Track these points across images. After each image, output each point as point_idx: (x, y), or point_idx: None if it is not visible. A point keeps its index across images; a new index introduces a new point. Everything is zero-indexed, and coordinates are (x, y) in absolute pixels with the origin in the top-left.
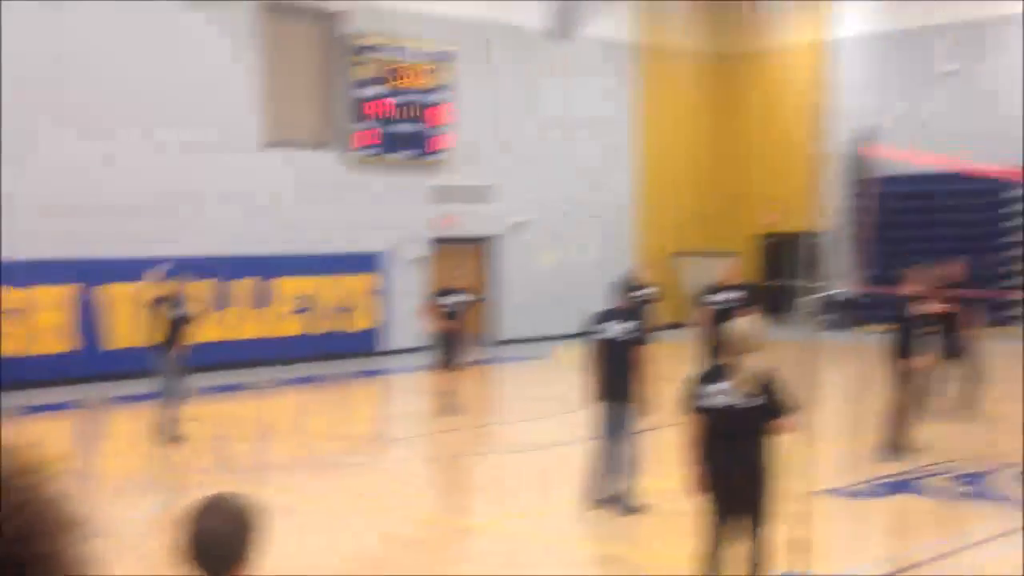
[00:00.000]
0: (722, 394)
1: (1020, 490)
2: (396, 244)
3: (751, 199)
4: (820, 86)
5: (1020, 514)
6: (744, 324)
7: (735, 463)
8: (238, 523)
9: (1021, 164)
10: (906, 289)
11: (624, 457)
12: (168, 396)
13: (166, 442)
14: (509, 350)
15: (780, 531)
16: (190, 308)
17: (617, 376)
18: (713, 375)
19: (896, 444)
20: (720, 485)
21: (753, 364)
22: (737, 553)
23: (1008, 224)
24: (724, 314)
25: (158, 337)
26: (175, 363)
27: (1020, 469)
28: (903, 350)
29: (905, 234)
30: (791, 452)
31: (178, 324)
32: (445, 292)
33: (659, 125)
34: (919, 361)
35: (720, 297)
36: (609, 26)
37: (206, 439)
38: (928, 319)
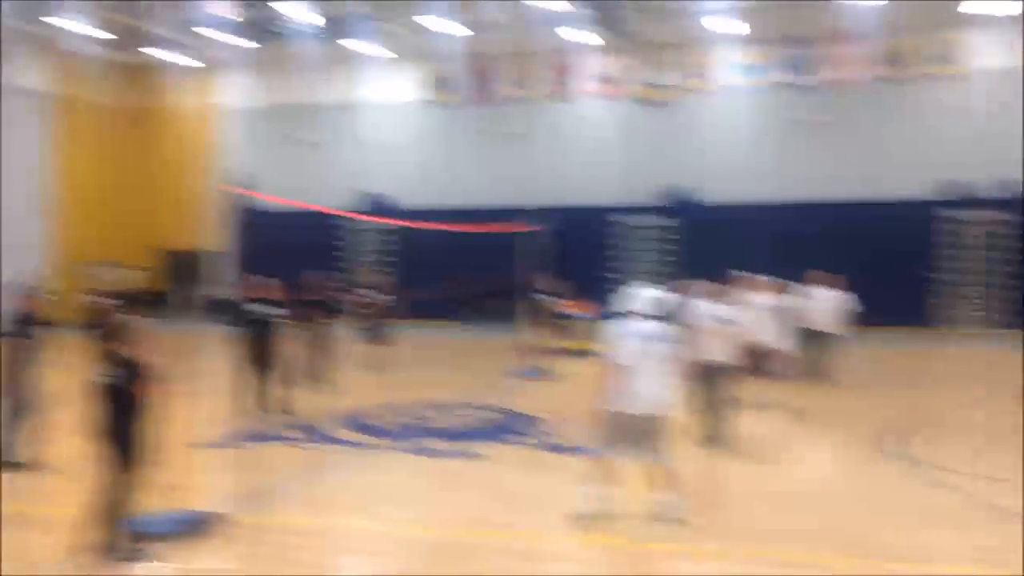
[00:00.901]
0: (99, 374)
1: (342, 432)
2: None
3: (156, 223)
4: (209, 140)
5: (342, 448)
6: (120, 319)
7: (104, 424)
8: None
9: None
10: (267, 293)
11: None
12: None
13: None
14: None
15: (163, 476)
16: None
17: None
18: (99, 359)
19: (267, 406)
20: (102, 443)
21: (125, 350)
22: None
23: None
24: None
25: None
26: None
27: (339, 421)
28: (266, 338)
29: (270, 252)
30: (173, 414)
31: None
32: None
33: (74, 162)
34: (282, 346)
35: (116, 301)
36: (26, 78)
37: None
38: (288, 316)
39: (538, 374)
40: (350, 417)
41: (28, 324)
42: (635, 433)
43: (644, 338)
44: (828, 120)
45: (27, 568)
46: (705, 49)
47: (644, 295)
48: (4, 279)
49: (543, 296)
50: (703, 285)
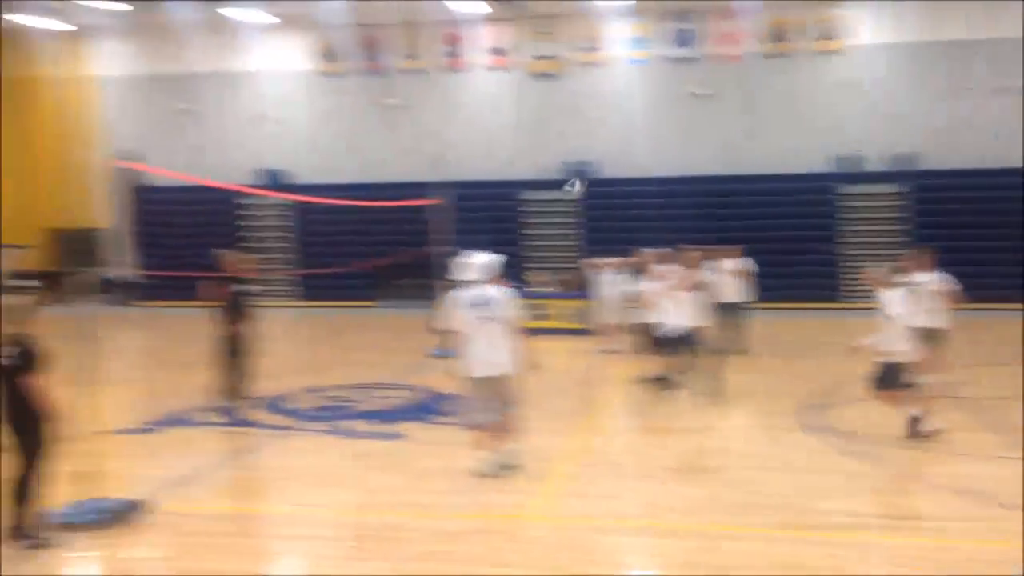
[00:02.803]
0: None
1: (260, 417)
2: None
3: (38, 200)
4: (88, 111)
5: (262, 432)
6: (11, 300)
7: (7, 409)
8: None
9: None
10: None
11: None
12: None
13: None
14: None
15: (71, 465)
16: None
17: None
18: None
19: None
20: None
21: (16, 331)
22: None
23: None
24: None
25: None
26: None
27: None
28: (232, 316)
29: (165, 231)
30: (82, 400)
31: None
32: None
33: None
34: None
35: (18, 281)
36: None
37: None
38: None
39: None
40: (270, 400)
41: None
42: (485, 394)
43: (476, 304)
44: (712, 93)
45: None
46: (594, 21)
47: (475, 262)
48: None
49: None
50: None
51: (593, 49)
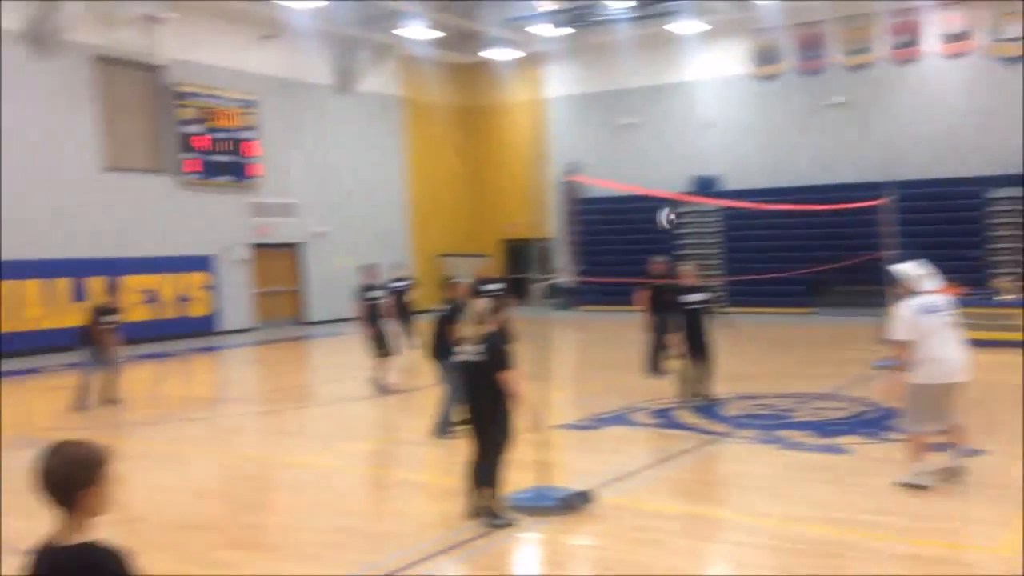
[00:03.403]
0: (466, 352)
1: (693, 421)
2: (223, 249)
3: (495, 214)
4: (539, 131)
5: (697, 436)
6: (480, 303)
7: (475, 401)
8: (70, 462)
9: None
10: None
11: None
12: (90, 370)
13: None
14: (318, 329)
15: (527, 454)
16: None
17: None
18: (465, 339)
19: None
20: (470, 417)
21: (484, 330)
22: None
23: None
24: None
25: (90, 330)
26: (102, 350)
27: (687, 406)
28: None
29: (605, 239)
30: (533, 395)
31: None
32: (371, 287)
33: (423, 159)
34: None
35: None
36: (379, 84)
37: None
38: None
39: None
40: (704, 404)
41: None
42: (934, 404)
43: (930, 311)
44: None
45: (421, 532)
46: None
47: (917, 270)
48: (381, 268)
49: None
50: None
51: None
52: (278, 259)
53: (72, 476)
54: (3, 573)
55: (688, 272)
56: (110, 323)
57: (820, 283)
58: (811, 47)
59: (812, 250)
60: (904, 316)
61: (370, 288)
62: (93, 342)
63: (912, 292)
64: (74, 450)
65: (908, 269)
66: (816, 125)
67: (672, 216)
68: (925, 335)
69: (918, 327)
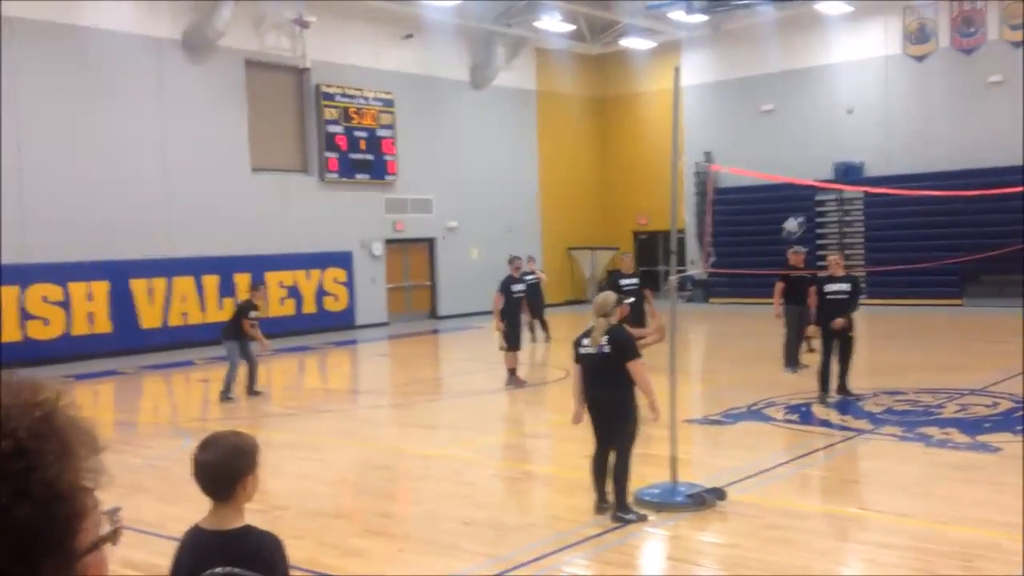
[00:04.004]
0: (586, 346)
1: (831, 416)
2: (360, 244)
3: (627, 206)
4: (674, 120)
5: (835, 432)
6: (602, 296)
7: (598, 395)
8: (227, 454)
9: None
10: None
11: None
12: (235, 363)
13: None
14: (448, 323)
15: (658, 449)
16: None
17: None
18: (585, 333)
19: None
20: (591, 412)
21: (606, 323)
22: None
23: (821, 220)
24: (627, 294)
25: (235, 324)
26: (246, 343)
27: (825, 401)
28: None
29: (738, 229)
30: (663, 390)
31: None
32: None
33: (554, 152)
34: (837, 322)
35: (624, 281)
36: (513, 78)
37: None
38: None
39: None
40: (843, 400)
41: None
42: None
43: None
44: None
45: (550, 525)
46: None
47: None
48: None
49: None
50: None
51: None
52: (412, 254)
53: (230, 465)
54: (147, 556)
55: (835, 262)
56: (254, 318)
57: (968, 273)
58: (968, 24)
59: (958, 239)
60: None
61: (514, 281)
62: (238, 336)
63: None
64: (232, 440)
65: None
66: (970, 107)
67: (801, 221)
68: None
69: None
